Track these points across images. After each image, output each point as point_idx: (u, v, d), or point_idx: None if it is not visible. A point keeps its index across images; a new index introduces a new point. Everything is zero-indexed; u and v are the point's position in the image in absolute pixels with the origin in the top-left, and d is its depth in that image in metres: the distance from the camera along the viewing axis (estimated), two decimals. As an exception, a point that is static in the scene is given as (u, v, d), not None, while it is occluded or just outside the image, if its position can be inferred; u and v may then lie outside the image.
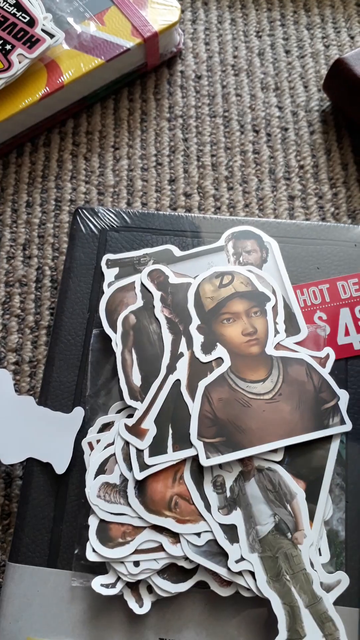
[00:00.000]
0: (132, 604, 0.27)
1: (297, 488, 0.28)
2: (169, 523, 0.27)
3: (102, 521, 0.28)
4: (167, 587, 0.27)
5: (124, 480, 0.28)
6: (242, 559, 0.26)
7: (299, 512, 0.27)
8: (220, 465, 0.28)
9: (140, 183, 0.41)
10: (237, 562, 0.26)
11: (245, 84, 0.43)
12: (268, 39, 0.45)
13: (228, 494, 0.28)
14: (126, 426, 0.29)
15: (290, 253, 0.33)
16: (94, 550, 0.27)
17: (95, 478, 0.29)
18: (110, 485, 0.28)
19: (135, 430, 0.29)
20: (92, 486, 0.28)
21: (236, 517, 0.27)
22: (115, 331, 0.32)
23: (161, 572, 0.27)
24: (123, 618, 0.27)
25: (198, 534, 0.27)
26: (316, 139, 0.41)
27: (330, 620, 0.26)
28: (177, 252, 0.34)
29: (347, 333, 0.32)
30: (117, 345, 0.31)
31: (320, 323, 0.32)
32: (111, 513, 0.28)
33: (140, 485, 0.28)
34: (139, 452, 0.29)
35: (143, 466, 0.28)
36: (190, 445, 0.29)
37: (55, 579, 0.28)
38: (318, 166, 0.41)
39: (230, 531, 0.27)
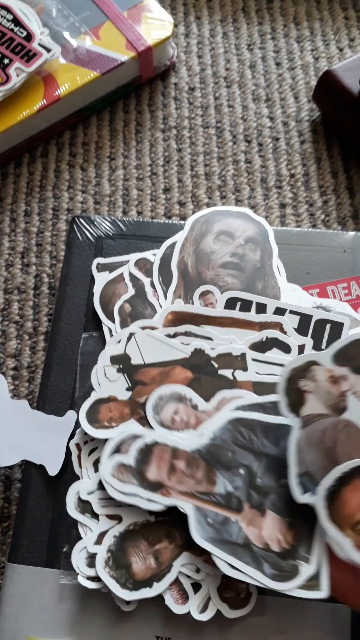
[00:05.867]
0: (119, 601, 0.27)
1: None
2: (346, 543, 0.25)
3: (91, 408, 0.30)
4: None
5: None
6: None
7: None
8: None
9: (136, 192, 0.42)
10: None
11: (237, 95, 0.45)
12: (259, 51, 0.46)
13: None
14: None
15: (281, 259, 0.34)
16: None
17: (109, 456, 0.29)
18: (124, 466, 0.28)
19: None
20: (106, 466, 0.28)
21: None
22: (113, 321, 0.33)
23: None
24: (120, 617, 0.28)
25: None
26: (306, 148, 0.43)
27: None
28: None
29: (337, 336, 0.33)
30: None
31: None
32: (123, 493, 0.28)
33: (333, 495, 0.25)
34: None
35: None
36: None
37: (53, 578, 0.29)
38: (308, 174, 0.42)
39: None
